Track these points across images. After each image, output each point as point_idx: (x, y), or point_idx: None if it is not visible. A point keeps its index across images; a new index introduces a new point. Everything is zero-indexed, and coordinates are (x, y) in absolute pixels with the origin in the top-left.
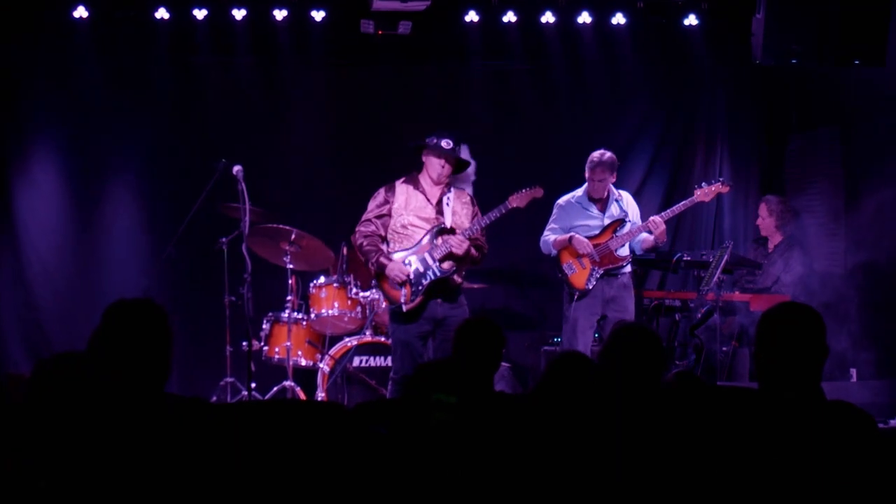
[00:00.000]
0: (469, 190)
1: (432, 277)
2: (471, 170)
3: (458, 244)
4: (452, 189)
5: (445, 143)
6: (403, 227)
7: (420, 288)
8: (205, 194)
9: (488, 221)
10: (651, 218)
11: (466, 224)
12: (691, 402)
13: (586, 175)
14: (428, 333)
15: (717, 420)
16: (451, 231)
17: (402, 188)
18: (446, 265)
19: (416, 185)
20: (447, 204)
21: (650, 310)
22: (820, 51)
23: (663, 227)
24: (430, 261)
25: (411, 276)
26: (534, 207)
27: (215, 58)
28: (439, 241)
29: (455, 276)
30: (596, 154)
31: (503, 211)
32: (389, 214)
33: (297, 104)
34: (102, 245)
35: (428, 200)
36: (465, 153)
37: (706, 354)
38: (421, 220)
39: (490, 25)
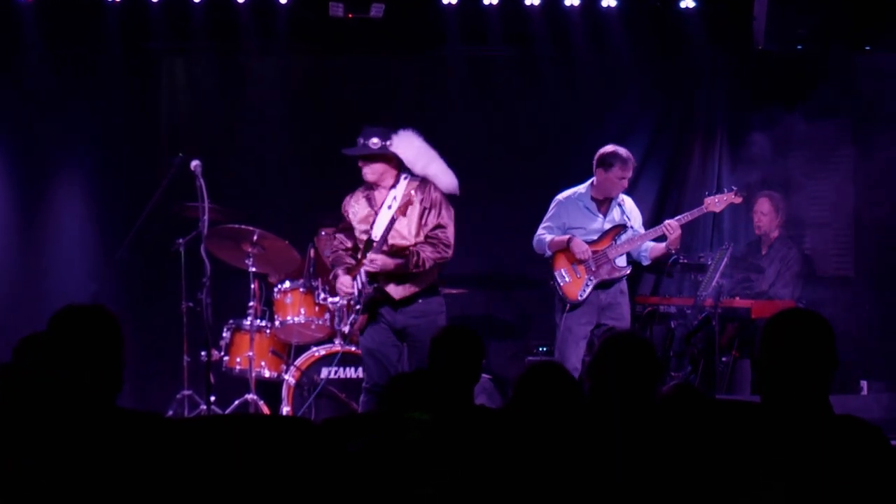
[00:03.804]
0: (432, 169)
1: (366, 296)
2: (422, 157)
3: (369, 262)
4: (406, 182)
5: (359, 141)
6: (358, 241)
7: (358, 307)
8: (160, 191)
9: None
10: (666, 221)
11: (413, 228)
12: (689, 417)
13: (605, 173)
14: (395, 341)
15: (717, 436)
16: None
17: (357, 196)
18: (375, 284)
19: (367, 191)
20: (389, 207)
21: (643, 317)
22: (827, 35)
23: (679, 231)
24: (363, 277)
25: (354, 294)
26: (522, 204)
27: (171, 43)
28: (368, 256)
29: (391, 292)
30: (621, 150)
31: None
32: (350, 227)
33: (260, 94)
34: (48, 246)
35: (372, 208)
36: (405, 138)
37: (704, 365)
38: (363, 234)
39: (470, 8)
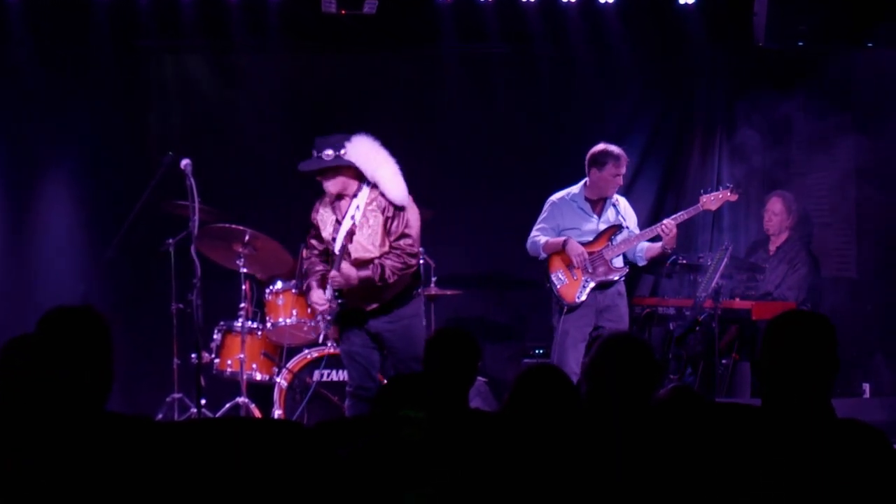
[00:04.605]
0: (380, 174)
1: (335, 310)
2: (378, 161)
3: (331, 280)
4: (368, 190)
5: (314, 155)
6: (327, 246)
7: (329, 318)
8: (149, 191)
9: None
10: (663, 221)
11: (378, 240)
12: (687, 420)
13: (599, 171)
14: (372, 343)
15: (716, 440)
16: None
17: (324, 203)
18: (339, 299)
19: (332, 198)
20: (352, 217)
21: (641, 318)
22: (829, 32)
23: (675, 231)
24: (330, 292)
25: (327, 309)
26: (519, 203)
27: (161, 41)
28: (331, 273)
29: (361, 305)
30: (613, 147)
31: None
32: (320, 234)
33: (251, 91)
34: (36, 246)
35: (336, 217)
36: (357, 144)
37: (703, 368)
38: (328, 243)
39: (465, 4)
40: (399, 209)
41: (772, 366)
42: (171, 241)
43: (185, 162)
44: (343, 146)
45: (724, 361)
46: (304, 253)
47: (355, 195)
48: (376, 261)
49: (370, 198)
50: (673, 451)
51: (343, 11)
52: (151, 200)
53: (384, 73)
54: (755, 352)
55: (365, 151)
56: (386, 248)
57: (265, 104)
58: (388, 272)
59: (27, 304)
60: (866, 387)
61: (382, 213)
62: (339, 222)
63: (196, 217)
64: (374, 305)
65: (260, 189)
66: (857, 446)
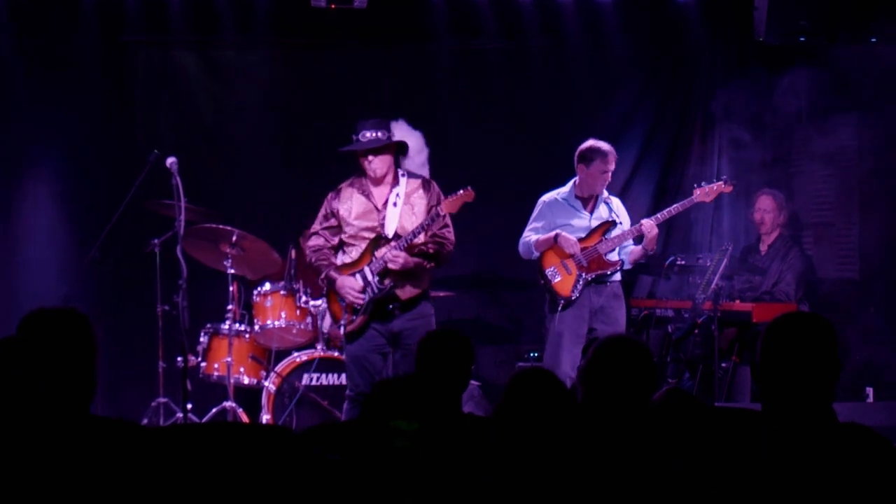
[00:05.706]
0: (425, 170)
1: (371, 295)
2: (416, 146)
3: (393, 259)
4: (406, 180)
5: (362, 136)
6: (352, 237)
7: (358, 307)
8: (134, 190)
9: (420, 230)
10: (643, 221)
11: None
12: (685, 425)
13: (587, 168)
14: (384, 347)
15: (715, 445)
16: (394, 239)
17: (347, 193)
18: (386, 281)
19: (362, 187)
20: (394, 204)
21: (639, 320)
22: (832, 27)
23: (656, 231)
24: (369, 276)
25: (364, 297)
26: (514, 202)
27: (147, 36)
28: (379, 253)
29: (398, 292)
30: (601, 143)
31: (426, 224)
32: (339, 225)
33: (239, 88)
34: (17, 246)
35: (373, 204)
36: (401, 129)
37: (703, 371)
38: (366, 231)
39: None
40: (438, 202)
41: (771, 369)
42: (156, 241)
43: (170, 160)
44: (391, 127)
45: (723, 365)
46: (312, 244)
47: (396, 182)
48: (422, 247)
49: (412, 187)
50: (669, 455)
51: (333, 6)
52: (136, 199)
53: (375, 70)
54: (755, 354)
55: (413, 135)
56: (427, 237)
57: (253, 101)
58: (441, 253)
59: (8, 305)
60: (869, 391)
61: (427, 202)
62: (377, 209)
63: (182, 217)
64: (413, 293)
65: (248, 188)
66: (859, 452)
